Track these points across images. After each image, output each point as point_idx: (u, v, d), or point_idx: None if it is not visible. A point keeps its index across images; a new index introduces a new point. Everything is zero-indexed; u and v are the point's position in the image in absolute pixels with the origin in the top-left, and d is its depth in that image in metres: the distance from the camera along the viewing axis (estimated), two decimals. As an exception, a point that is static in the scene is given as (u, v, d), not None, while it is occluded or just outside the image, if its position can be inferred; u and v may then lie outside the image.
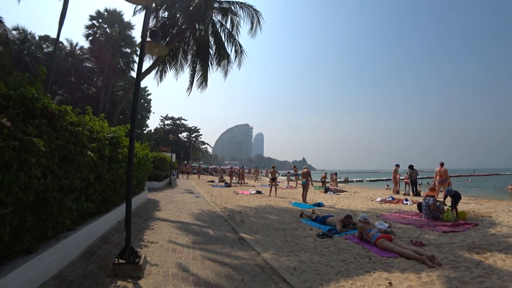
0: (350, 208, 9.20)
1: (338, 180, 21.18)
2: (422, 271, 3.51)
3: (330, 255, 4.21)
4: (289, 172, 27.59)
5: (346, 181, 34.22)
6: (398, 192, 14.41)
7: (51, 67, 15.14)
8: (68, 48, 25.81)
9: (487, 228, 5.82)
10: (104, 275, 3.01)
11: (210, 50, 12.39)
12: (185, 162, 49.59)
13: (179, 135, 54.83)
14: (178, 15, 11.91)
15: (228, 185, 18.81)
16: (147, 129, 41.84)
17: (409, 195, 13.27)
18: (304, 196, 10.79)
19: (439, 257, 3.95)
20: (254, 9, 12.05)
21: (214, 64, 12.52)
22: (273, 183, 13.06)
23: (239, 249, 4.38)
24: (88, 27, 23.09)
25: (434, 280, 3.22)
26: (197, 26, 11.53)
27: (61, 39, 24.40)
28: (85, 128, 3.56)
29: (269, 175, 13.77)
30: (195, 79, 12.56)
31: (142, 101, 34.10)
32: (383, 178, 41.20)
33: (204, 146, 68.11)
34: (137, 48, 3.69)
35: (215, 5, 11.99)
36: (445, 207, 7.02)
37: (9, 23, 24.15)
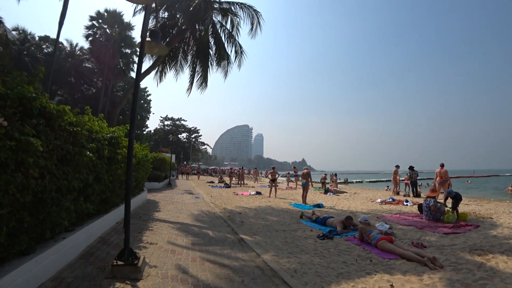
0: (350, 209, 9.17)
1: (338, 181, 21.14)
2: (423, 273, 3.47)
3: (331, 256, 4.17)
4: (288, 173, 27.55)
5: (346, 182, 34.19)
6: (398, 193, 14.38)
7: (51, 67, 15.12)
8: (68, 49, 25.79)
9: (488, 229, 5.79)
10: (102, 277, 2.98)
11: (210, 50, 12.37)
12: (185, 162, 49.54)
13: (179, 135, 54.81)
14: (178, 16, 11.91)
15: (227, 186, 18.77)
16: (146, 130, 41.79)
17: (409, 196, 13.24)
18: (304, 197, 10.76)
19: (440, 259, 3.92)
20: (254, 10, 12.04)
21: (214, 64, 12.50)
22: (273, 184, 13.03)
23: (239, 250, 4.35)
24: (88, 28, 23.09)
25: (436, 283, 3.19)
26: (197, 27, 11.51)
27: (61, 39, 24.39)
28: (84, 128, 3.53)
29: (269, 176, 13.74)
30: (195, 80, 12.54)
31: (142, 101, 34.07)
32: (383, 179, 41.18)
33: (203, 147, 68.11)
34: (137, 48, 3.66)
35: (215, 6, 11.98)
36: (446, 209, 6.99)
37: (9, 24, 24.16)
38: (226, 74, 12.61)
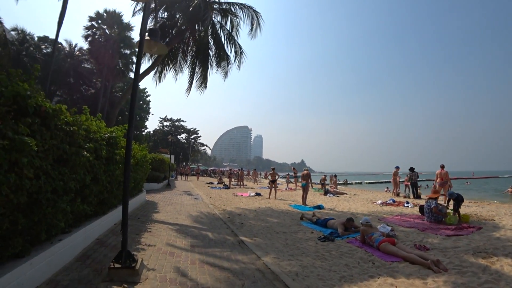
0: (351, 210, 9.10)
1: (337, 182, 21.08)
2: (427, 276, 3.40)
3: (333, 259, 4.10)
4: (288, 174, 27.49)
5: (345, 183, 34.14)
6: (398, 195, 14.32)
7: (49, 68, 15.08)
8: (67, 49, 25.70)
9: (491, 231, 5.73)
10: (99, 280, 2.90)
11: (209, 51, 12.32)
12: (184, 163, 49.40)
13: (178, 136, 54.69)
14: (177, 16, 11.85)
15: (227, 187, 18.68)
16: (146, 131, 41.66)
17: (409, 197, 13.19)
18: (304, 198, 10.68)
19: (444, 261, 3.85)
20: (254, 10, 12.00)
21: (214, 65, 12.45)
22: (273, 185, 12.96)
23: (239, 252, 4.27)
24: (87, 28, 22.99)
25: (440, 286, 3.13)
26: (196, 27, 11.46)
27: (60, 40, 24.33)
28: (81, 128, 3.46)
29: (269, 177, 13.67)
30: (195, 80, 12.48)
31: (141, 102, 33.95)
32: (382, 181, 41.15)
33: (203, 148, 68.00)
34: (137, 48, 3.60)
35: (215, 6, 11.95)
36: (448, 211, 6.93)
37: (8, 24, 24.06)
38: (225, 75, 12.56)
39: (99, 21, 23.36)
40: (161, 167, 17.76)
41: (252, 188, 19.12)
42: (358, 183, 39.55)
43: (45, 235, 2.89)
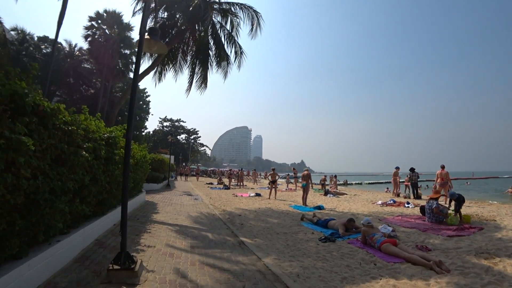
0: (351, 211, 9.06)
1: (337, 182, 21.05)
2: (430, 277, 3.37)
3: (334, 260, 4.06)
4: (288, 174, 27.46)
5: (345, 183, 34.12)
6: (398, 195, 14.29)
7: (49, 68, 15.01)
8: (67, 49, 25.67)
9: (492, 232, 5.70)
10: (98, 282, 2.86)
11: (209, 51, 12.29)
12: (184, 164, 49.33)
13: (178, 137, 54.63)
14: (177, 16, 11.83)
15: (227, 188, 18.64)
16: (145, 131, 41.61)
17: (409, 198, 13.15)
18: (304, 199, 10.64)
19: (446, 262, 3.82)
20: (254, 11, 11.98)
21: (214, 65, 12.42)
22: (273, 186, 12.92)
23: (239, 253, 4.23)
24: (87, 28, 22.97)
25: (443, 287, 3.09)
26: (196, 27, 11.43)
27: (60, 40, 24.35)
28: (79, 128, 3.42)
29: (269, 178, 13.63)
30: (194, 80, 12.45)
31: (141, 102, 33.91)
32: (382, 181, 41.13)
33: (202, 148, 67.94)
34: (137, 48, 3.58)
35: (215, 6, 11.92)
36: (449, 211, 6.90)
37: (8, 24, 24.01)
38: (226, 75, 12.53)
39: (99, 21, 23.34)
40: (160, 168, 17.72)
41: (252, 188, 19.08)
42: (358, 183, 39.53)
43: (43, 236, 2.85)
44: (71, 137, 3.13)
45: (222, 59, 12.21)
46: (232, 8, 12.05)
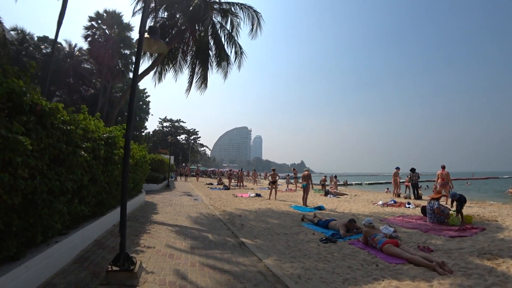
0: (352, 211, 9.02)
1: (337, 183, 21.02)
2: (433, 278, 3.33)
3: (335, 261, 4.02)
4: (288, 175, 27.43)
5: (345, 184, 34.09)
6: (399, 195, 14.25)
7: (49, 68, 14.97)
8: (67, 49, 25.62)
9: (494, 232, 5.66)
10: (96, 283, 2.82)
11: (209, 51, 12.25)
12: (184, 164, 49.28)
13: (178, 137, 54.58)
14: (177, 16, 11.80)
15: (227, 188, 18.59)
16: (145, 131, 41.57)
17: (410, 198, 13.12)
18: (304, 199, 10.60)
19: (449, 263, 3.78)
20: (255, 11, 11.95)
21: (214, 65, 12.38)
22: (274, 186, 12.88)
23: (239, 254, 4.19)
24: (87, 28, 22.92)
25: (447, 289, 3.05)
26: (196, 27, 11.41)
27: (60, 40, 24.35)
28: (78, 127, 3.38)
29: (269, 178, 13.58)
30: (194, 80, 12.41)
31: (141, 103, 33.87)
32: (382, 182, 41.08)
33: (202, 149, 67.89)
34: (136, 48, 3.54)
35: (215, 6, 11.89)
36: (450, 212, 6.86)
37: (7, 24, 23.97)
38: (226, 75, 12.48)
39: (99, 21, 23.29)
40: (160, 168, 17.67)
41: (252, 189, 19.04)
42: (358, 184, 39.49)
43: (41, 237, 2.81)
44: (70, 137, 3.10)
45: (222, 59, 12.16)
46: (232, 8, 12.02)
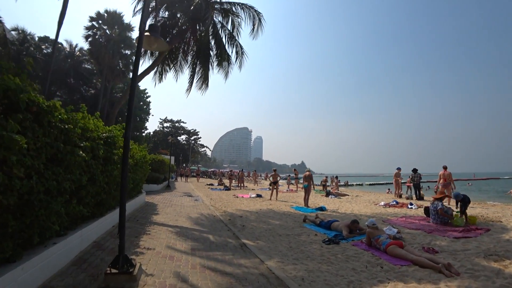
0: (354, 212, 8.94)
1: (338, 183, 20.92)
2: (439, 281, 3.25)
3: (339, 263, 3.94)
4: (289, 175, 27.35)
5: (346, 184, 34.00)
6: (400, 196, 14.16)
7: (49, 68, 14.94)
8: (68, 49, 25.63)
9: (499, 233, 5.57)
10: (95, 286, 2.75)
11: (210, 51, 12.19)
12: (184, 165, 49.19)
13: (178, 137, 54.52)
14: (178, 16, 11.75)
15: (227, 189, 18.52)
16: (146, 132, 41.53)
17: (412, 199, 13.03)
18: (306, 200, 10.52)
19: (455, 265, 3.70)
20: (256, 11, 11.89)
21: (215, 65, 12.32)
22: (275, 187, 12.80)
23: (241, 256, 4.11)
24: (87, 28, 22.89)
25: (454, 292, 2.97)
26: (197, 27, 11.36)
27: (61, 40, 24.30)
28: (77, 126, 3.31)
29: (270, 179, 13.50)
30: (195, 80, 12.36)
31: (141, 103, 33.83)
32: (382, 182, 40.96)
33: (203, 149, 67.77)
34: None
35: (216, 6, 11.84)
36: (454, 212, 6.77)
37: (8, 24, 24.01)
38: (226, 75, 12.42)
39: (100, 21, 23.26)
40: (161, 168, 17.60)
41: (252, 189, 18.96)
42: (359, 184, 39.38)
43: (38, 238, 2.74)
44: (68, 136, 3.03)
45: (223, 59, 12.10)
46: (233, 8, 11.97)
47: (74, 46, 25.90)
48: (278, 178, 13.28)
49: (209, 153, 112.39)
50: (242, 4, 11.81)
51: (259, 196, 13.77)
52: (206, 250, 4.34)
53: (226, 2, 12.01)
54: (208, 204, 10.18)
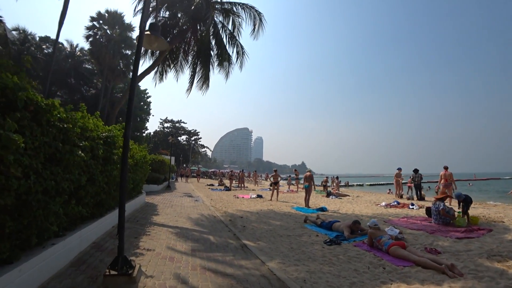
0: (355, 212, 8.90)
1: (339, 184, 20.87)
2: (443, 282, 3.21)
3: (341, 264, 3.90)
4: (290, 176, 27.31)
5: (347, 185, 33.94)
6: (401, 196, 14.11)
7: (50, 68, 14.91)
8: (68, 49, 25.60)
9: (502, 234, 5.53)
10: (94, 288, 2.71)
11: (211, 51, 12.17)
12: (184, 165, 49.17)
13: (179, 138, 54.51)
14: (179, 15, 11.73)
15: (227, 189, 18.48)
16: (146, 132, 41.50)
17: (413, 199, 12.97)
18: (307, 200, 10.48)
19: (458, 266, 3.66)
20: (256, 11, 11.87)
21: (216, 65, 12.30)
22: (275, 187, 12.75)
23: (242, 257, 4.07)
24: (88, 28, 22.89)
25: (458, 294, 2.93)
26: (198, 27, 11.34)
27: (61, 40, 24.27)
28: (76, 126, 3.28)
29: (271, 179, 13.46)
30: (195, 80, 12.33)
31: (142, 103, 33.81)
32: (383, 183, 40.89)
33: (203, 150, 67.76)
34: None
35: (216, 6, 11.82)
36: (456, 213, 6.73)
37: (9, 23, 23.97)
38: (227, 75, 12.39)
39: (101, 21, 23.26)
40: (161, 169, 17.56)
41: (253, 190, 18.92)
42: (359, 185, 39.33)
43: (36, 239, 2.70)
44: (67, 135, 2.99)
45: (224, 59, 12.08)
46: (234, 8, 11.95)
47: (74, 46, 25.89)
48: (279, 179, 13.24)
49: (209, 153, 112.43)
50: (243, 4, 11.79)
51: (259, 196, 13.72)
52: (207, 251, 4.30)
53: (226, 2, 12.00)
54: (209, 205, 10.14)
